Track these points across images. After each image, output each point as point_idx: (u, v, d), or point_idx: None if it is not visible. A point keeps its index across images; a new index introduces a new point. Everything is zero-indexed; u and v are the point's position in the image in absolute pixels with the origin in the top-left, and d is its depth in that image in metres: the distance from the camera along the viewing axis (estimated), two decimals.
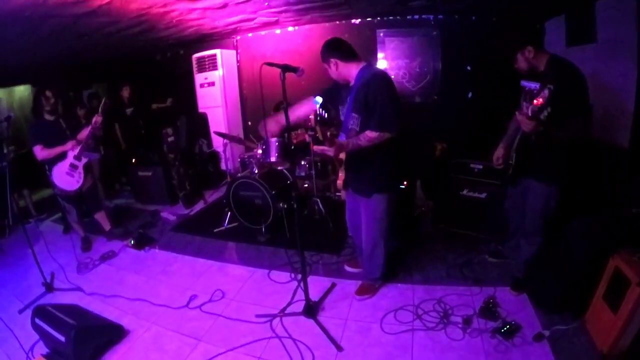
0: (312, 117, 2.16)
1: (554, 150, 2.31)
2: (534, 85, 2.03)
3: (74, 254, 3.84)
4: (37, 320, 2.51)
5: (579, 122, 2.18)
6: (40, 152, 3.59)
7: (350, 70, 2.47)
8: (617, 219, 2.27)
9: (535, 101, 1.92)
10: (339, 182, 2.62)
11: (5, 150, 4.22)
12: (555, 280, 2.39)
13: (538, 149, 2.34)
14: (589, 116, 2.27)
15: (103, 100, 3.86)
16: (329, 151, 2.32)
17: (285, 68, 2.27)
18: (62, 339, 2.32)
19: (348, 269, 3.22)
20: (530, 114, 1.96)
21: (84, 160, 3.82)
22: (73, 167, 3.75)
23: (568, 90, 2.08)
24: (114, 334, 2.59)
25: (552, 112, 1.91)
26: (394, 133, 2.35)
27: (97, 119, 3.67)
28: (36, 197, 5.66)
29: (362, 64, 2.48)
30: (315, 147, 2.37)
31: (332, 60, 2.45)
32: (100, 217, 4.23)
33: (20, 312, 3.01)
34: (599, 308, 2.15)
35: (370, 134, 2.34)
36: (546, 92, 1.88)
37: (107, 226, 4.26)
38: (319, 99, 2.45)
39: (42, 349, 2.52)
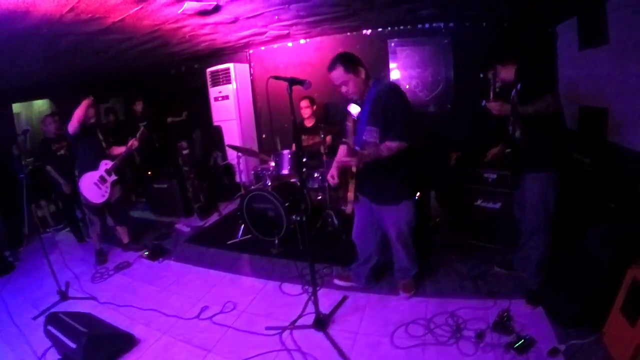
0: (349, 124, 2.18)
1: (539, 138, 2.46)
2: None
3: (89, 264, 3.97)
4: (49, 327, 2.59)
5: (547, 100, 2.33)
6: None
7: (369, 81, 2.55)
8: (637, 229, 2.19)
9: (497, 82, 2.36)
10: (350, 195, 2.61)
11: (23, 162, 4.40)
12: (572, 293, 2.31)
13: (526, 142, 2.50)
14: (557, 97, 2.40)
15: (142, 129, 4.09)
16: (352, 161, 2.36)
17: (292, 81, 2.28)
18: (73, 346, 2.38)
19: (338, 282, 3.19)
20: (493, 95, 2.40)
21: (114, 177, 3.96)
22: (102, 180, 3.89)
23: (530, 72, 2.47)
24: (125, 342, 2.63)
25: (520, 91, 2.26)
26: (412, 142, 2.44)
27: (133, 142, 3.91)
28: (53, 208, 5.84)
29: (374, 79, 2.58)
30: (339, 158, 2.40)
31: (362, 69, 2.50)
32: (122, 230, 4.33)
33: (35, 318, 3.10)
34: (616, 321, 2.07)
35: (391, 144, 2.41)
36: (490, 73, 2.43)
37: (125, 239, 4.35)
38: (356, 108, 2.48)
39: (54, 355, 2.58)
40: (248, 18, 3.97)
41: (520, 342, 2.21)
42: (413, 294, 2.90)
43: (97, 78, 6.56)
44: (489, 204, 3.40)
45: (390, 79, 5.26)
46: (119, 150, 4.10)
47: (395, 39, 5.30)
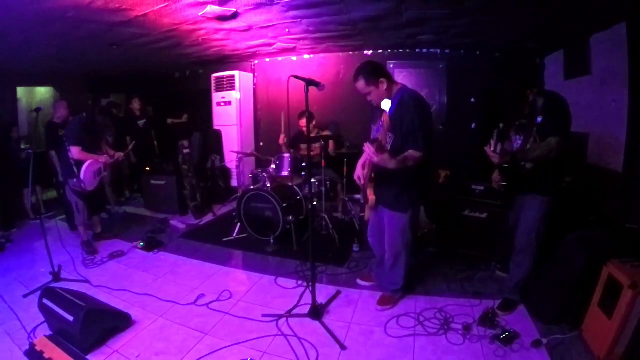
0: (384, 119, 2.26)
1: (544, 167, 2.49)
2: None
3: (81, 251, 3.97)
4: (45, 301, 2.56)
5: (550, 146, 2.38)
6: (79, 154, 3.77)
7: (392, 91, 2.59)
8: (611, 233, 2.41)
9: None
10: (372, 198, 2.67)
11: (22, 146, 4.44)
12: (552, 292, 2.50)
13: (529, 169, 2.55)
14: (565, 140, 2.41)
15: (133, 144, 4.31)
16: (389, 161, 2.34)
17: (310, 82, 2.48)
18: (71, 319, 2.36)
19: (361, 282, 3.27)
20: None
21: (105, 173, 4.13)
22: (99, 172, 4.01)
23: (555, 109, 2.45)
24: (122, 321, 2.64)
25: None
26: (427, 156, 2.47)
27: (119, 156, 4.14)
28: (46, 196, 5.85)
29: (399, 85, 2.63)
30: (377, 158, 2.32)
31: (382, 79, 2.53)
32: (96, 219, 4.42)
33: (25, 296, 3.09)
34: (594, 316, 2.25)
35: (415, 154, 2.42)
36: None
37: (98, 229, 4.43)
38: (388, 102, 2.40)
39: (45, 330, 2.57)
40: (261, 28, 4.21)
41: (505, 335, 2.37)
42: (387, 309, 2.86)
43: (102, 72, 6.69)
44: (476, 214, 3.59)
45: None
46: (110, 151, 4.23)
47: (395, 61, 5.64)
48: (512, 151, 2.54)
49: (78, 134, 3.79)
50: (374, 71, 2.55)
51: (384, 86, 2.53)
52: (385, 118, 2.26)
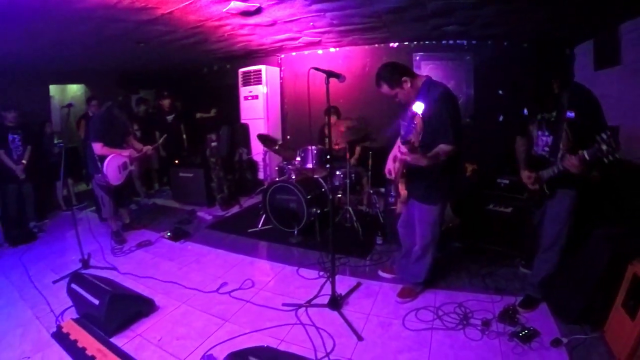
0: (416, 122, 2.27)
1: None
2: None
3: (110, 240, 4.17)
4: (73, 285, 2.70)
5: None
6: (100, 149, 3.92)
7: (417, 84, 2.55)
8: (637, 230, 2.32)
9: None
10: (404, 193, 2.70)
11: (55, 141, 4.70)
12: (575, 291, 2.44)
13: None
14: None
15: (163, 137, 4.46)
16: (422, 159, 2.31)
17: (330, 74, 2.51)
18: (96, 302, 2.46)
19: (382, 274, 3.30)
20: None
21: (132, 167, 4.26)
22: (125, 166, 4.15)
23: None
24: (145, 306, 2.76)
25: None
26: (459, 148, 2.45)
27: (146, 149, 4.24)
28: (78, 189, 6.21)
29: (423, 77, 2.58)
30: (410, 156, 2.31)
31: (405, 78, 2.51)
32: (124, 211, 4.60)
33: (55, 282, 3.28)
34: (617, 316, 2.18)
35: (446, 147, 2.40)
36: None
37: (127, 220, 4.63)
38: (420, 105, 2.37)
39: (72, 314, 2.72)
40: (285, 22, 4.26)
41: (524, 332, 2.34)
42: (407, 301, 2.86)
43: (131, 69, 6.93)
44: (501, 208, 3.53)
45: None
46: (136, 144, 4.37)
47: (421, 53, 5.56)
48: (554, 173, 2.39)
49: (99, 129, 3.95)
50: (393, 73, 2.54)
51: (408, 85, 2.51)
52: (417, 120, 2.25)
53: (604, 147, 1.98)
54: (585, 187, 2.51)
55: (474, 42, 5.27)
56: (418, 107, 2.34)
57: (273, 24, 4.28)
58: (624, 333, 2.06)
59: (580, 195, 2.49)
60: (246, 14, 3.77)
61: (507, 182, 3.50)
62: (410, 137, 2.41)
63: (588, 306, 2.37)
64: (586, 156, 2.09)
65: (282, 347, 2.36)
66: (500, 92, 5.21)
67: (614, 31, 3.54)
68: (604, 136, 1.98)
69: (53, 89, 7.03)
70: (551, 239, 2.60)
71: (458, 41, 5.33)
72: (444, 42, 5.40)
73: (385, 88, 2.56)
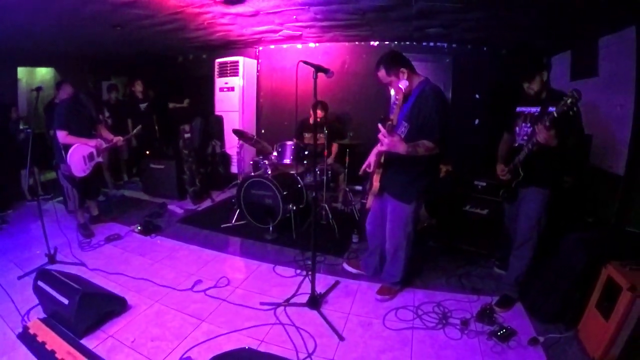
0: (399, 97, 2.29)
1: (550, 157, 2.52)
2: (534, 109, 2.59)
3: (77, 234, 3.93)
4: (39, 283, 2.51)
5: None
6: (65, 138, 3.68)
7: (413, 81, 2.54)
8: (611, 235, 2.41)
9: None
10: (376, 185, 2.67)
11: (20, 127, 4.37)
12: (550, 291, 2.52)
13: (536, 158, 2.55)
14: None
15: (138, 128, 4.24)
16: (400, 144, 2.32)
17: (318, 68, 2.46)
18: (66, 302, 2.30)
19: (347, 267, 3.31)
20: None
21: (100, 159, 4.00)
22: (91, 156, 3.89)
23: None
24: (117, 305, 2.61)
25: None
26: (441, 150, 2.45)
27: (117, 140, 4.02)
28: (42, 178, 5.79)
29: (422, 78, 2.59)
30: (387, 139, 2.32)
31: (403, 69, 2.51)
32: (91, 203, 4.35)
33: (20, 278, 3.05)
34: (591, 317, 2.26)
35: (429, 144, 2.39)
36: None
37: (95, 212, 4.38)
38: (405, 82, 2.40)
39: (38, 314, 2.53)
40: (268, 13, 4.15)
41: (502, 331, 2.39)
42: (387, 299, 2.87)
43: (104, 54, 6.59)
44: (477, 210, 3.59)
45: None
46: (106, 134, 4.12)
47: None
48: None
49: (63, 117, 3.70)
50: (394, 60, 2.54)
51: (404, 76, 2.51)
52: (399, 95, 2.24)
53: (569, 100, 2.12)
54: (557, 186, 2.65)
55: (454, 45, 5.36)
56: (402, 83, 2.37)
57: (255, 14, 4.16)
58: (598, 333, 2.14)
59: (553, 193, 2.61)
60: (229, 2, 3.64)
61: (484, 184, 3.56)
62: (391, 116, 2.43)
63: (562, 306, 2.45)
64: (555, 113, 2.21)
65: (263, 348, 2.28)
66: (477, 96, 5.33)
67: (593, 44, 3.68)
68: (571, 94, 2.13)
69: (21, 71, 6.59)
70: (525, 235, 2.69)
71: (439, 43, 5.40)
72: (424, 43, 5.45)
73: (382, 72, 2.56)
